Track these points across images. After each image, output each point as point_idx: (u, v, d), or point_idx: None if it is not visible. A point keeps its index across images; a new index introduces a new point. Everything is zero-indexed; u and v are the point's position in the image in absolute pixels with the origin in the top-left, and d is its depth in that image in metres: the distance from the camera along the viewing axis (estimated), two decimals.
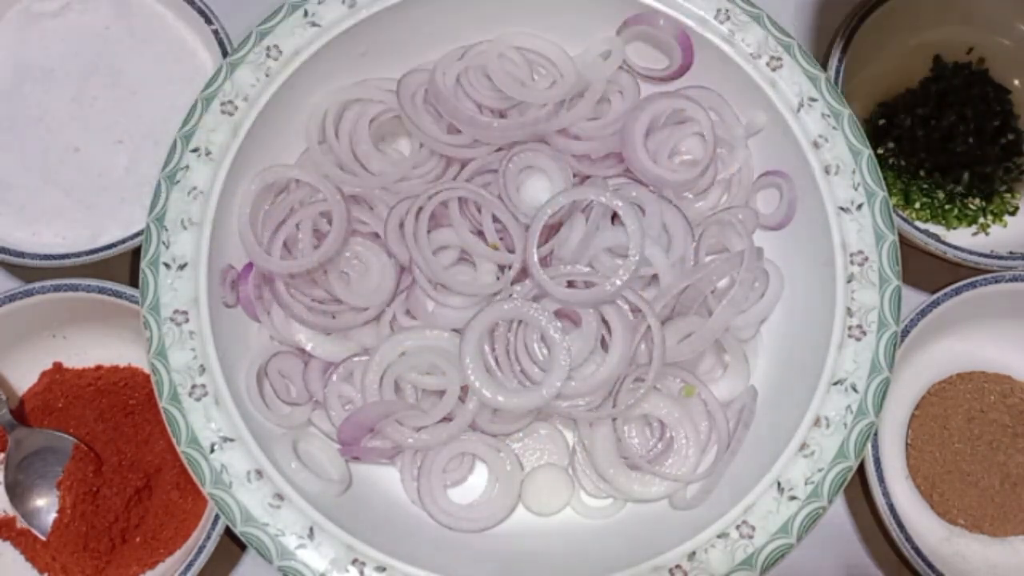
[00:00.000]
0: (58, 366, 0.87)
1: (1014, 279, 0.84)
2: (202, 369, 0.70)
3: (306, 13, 0.78)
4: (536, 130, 0.79)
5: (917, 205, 0.94)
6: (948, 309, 0.83)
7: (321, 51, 0.78)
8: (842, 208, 0.75)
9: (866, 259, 0.73)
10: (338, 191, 0.77)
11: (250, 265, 0.76)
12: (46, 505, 0.81)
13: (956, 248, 0.85)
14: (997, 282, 0.83)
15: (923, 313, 0.82)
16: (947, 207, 0.93)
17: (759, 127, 0.81)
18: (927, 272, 0.92)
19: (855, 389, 0.71)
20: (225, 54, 0.89)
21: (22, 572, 0.81)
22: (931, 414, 0.88)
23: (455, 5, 0.81)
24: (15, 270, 0.94)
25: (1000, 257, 0.86)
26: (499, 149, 0.81)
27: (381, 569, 0.67)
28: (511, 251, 0.77)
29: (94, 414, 0.84)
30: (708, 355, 0.79)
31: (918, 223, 0.93)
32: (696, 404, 0.76)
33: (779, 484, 0.69)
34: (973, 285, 0.83)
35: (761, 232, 0.82)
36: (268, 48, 0.77)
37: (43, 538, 0.80)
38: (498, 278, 0.78)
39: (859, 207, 0.75)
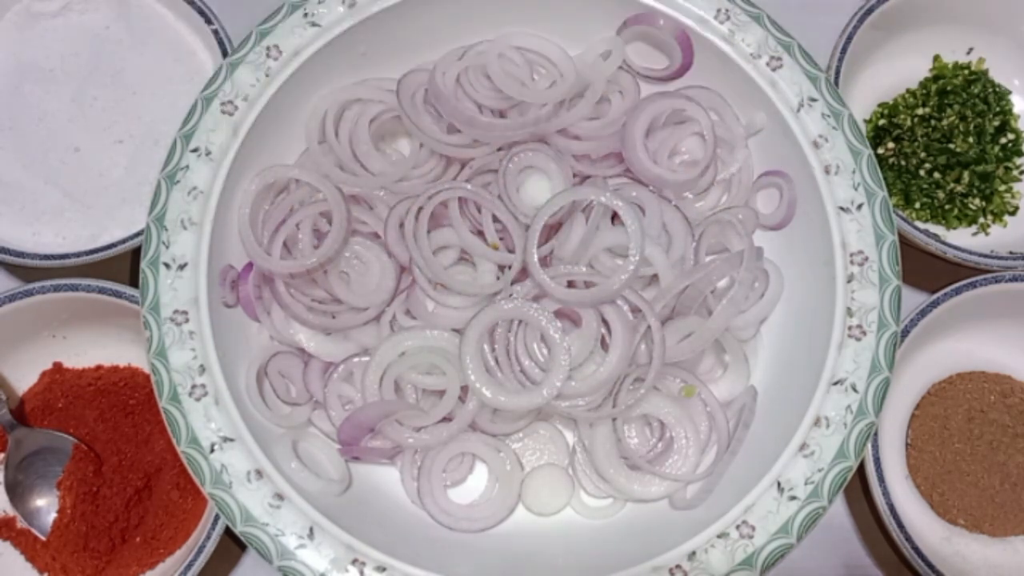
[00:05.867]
0: (58, 366, 0.87)
1: (1014, 279, 0.84)
2: (202, 369, 0.70)
3: (306, 13, 0.78)
4: (536, 130, 0.79)
5: (917, 205, 0.94)
6: (948, 309, 0.83)
7: (321, 51, 0.78)
8: (842, 208, 0.75)
9: (866, 259, 0.73)
10: (338, 191, 0.77)
11: (250, 265, 0.76)
12: (46, 505, 0.81)
13: (956, 248, 0.85)
14: (997, 282, 0.83)
15: (923, 313, 0.82)
16: (947, 207, 0.93)
17: (759, 127, 0.81)
18: (927, 272, 0.92)
19: (855, 389, 0.71)
20: (225, 54, 0.89)
21: (22, 572, 0.81)
22: (931, 414, 0.88)
23: (455, 5, 0.81)
24: (15, 270, 0.94)
25: (1000, 257, 0.86)
26: (499, 149, 0.81)
27: (381, 569, 0.67)
28: (511, 251, 0.77)
29: (94, 414, 0.84)
30: (708, 355, 0.79)
31: (918, 223, 0.93)
32: (696, 404, 0.76)
33: (779, 484, 0.69)
34: (973, 285, 0.83)
35: (761, 232, 0.82)
36: (268, 48, 0.77)
37: (43, 538, 0.80)
38: (498, 278, 0.78)
39: (859, 207, 0.75)
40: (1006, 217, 0.95)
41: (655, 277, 0.78)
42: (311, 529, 0.68)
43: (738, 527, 0.69)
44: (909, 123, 0.94)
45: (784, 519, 0.68)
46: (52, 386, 0.85)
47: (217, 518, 0.75)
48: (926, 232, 0.86)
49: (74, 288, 0.80)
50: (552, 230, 0.78)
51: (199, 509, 0.81)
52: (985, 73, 0.97)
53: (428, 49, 0.83)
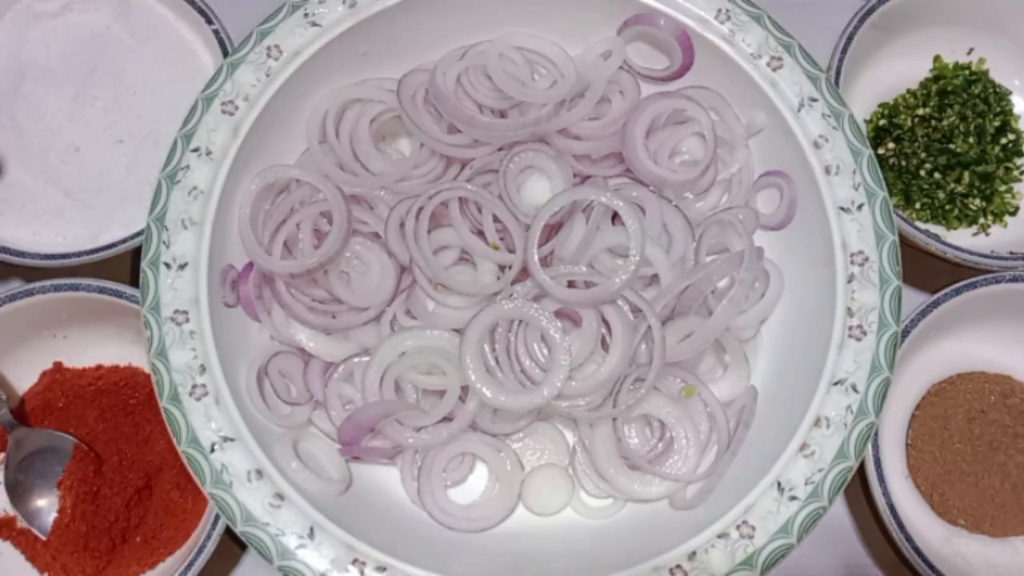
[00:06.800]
0: (58, 366, 0.87)
1: (1014, 279, 0.84)
2: (202, 369, 0.70)
3: (307, 13, 0.78)
4: (536, 130, 0.79)
5: (917, 205, 0.94)
6: (948, 309, 0.83)
7: (321, 51, 0.78)
8: (842, 208, 0.75)
9: (866, 259, 0.73)
10: (338, 191, 0.77)
11: (250, 265, 0.76)
12: (46, 505, 0.81)
13: (956, 248, 0.85)
14: (997, 282, 0.83)
15: (923, 313, 0.82)
16: (947, 207, 0.93)
17: (759, 127, 0.81)
18: (927, 272, 0.92)
19: (855, 389, 0.71)
20: (225, 54, 0.89)
21: (22, 572, 0.81)
22: (931, 414, 0.88)
23: (455, 5, 0.81)
24: (15, 270, 0.94)
25: (1000, 257, 0.86)
26: (499, 149, 0.81)
27: (381, 569, 0.67)
28: (511, 251, 0.77)
29: (94, 414, 0.84)
30: (708, 355, 0.79)
31: (918, 223, 0.93)
32: (696, 404, 0.76)
33: (779, 484, 0.69)
34: (973, 285, 0.83)
35: (761, 232, 0.82)
36: (269, 48, 0.77)
37: (43, 538, 0.80)
38: (498, 278, 0.78)
39: (859, 207, 0.75)
40: (1006, 217, 0.95)
41: (655, 277, 0.78)
42: (311, 529, 0.68)
43: (738, 527, 0.69)
44: (909, 123, 0.94)
45: (784, 519, 0.68)
46: (52, 386, 0.85)
47: (217, 518, 0.75)
48: (926, 232, 0.86)
49: (74, 288, 0.80)
50: (552, 230, 0.78)
51: (199, 509, 0.81)
52: (985, 73, 0.97)
53: (428, 49, 0.83)
